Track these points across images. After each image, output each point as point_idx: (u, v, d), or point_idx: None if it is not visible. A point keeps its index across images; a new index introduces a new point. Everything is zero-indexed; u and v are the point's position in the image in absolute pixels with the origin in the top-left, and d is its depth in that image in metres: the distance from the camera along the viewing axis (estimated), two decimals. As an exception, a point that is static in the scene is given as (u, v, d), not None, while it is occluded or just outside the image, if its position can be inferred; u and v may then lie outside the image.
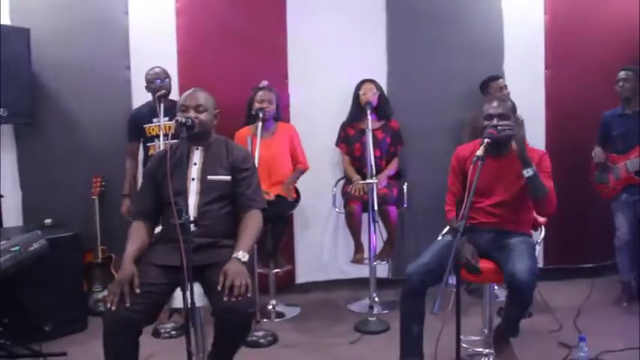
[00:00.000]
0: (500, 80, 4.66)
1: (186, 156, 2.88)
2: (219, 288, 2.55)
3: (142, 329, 2.65)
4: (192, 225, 2.60)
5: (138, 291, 2.59)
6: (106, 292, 4.32)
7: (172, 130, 2.86)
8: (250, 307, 2.62)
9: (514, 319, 3.10)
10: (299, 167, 4.51)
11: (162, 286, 2.69)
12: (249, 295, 2.57)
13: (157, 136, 4.21)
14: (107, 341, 2.58)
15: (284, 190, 4.24)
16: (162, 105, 4.14)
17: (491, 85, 4.64)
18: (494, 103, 3.19)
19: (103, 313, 2.61)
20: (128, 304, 2.54)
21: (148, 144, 4.35)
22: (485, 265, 3.13)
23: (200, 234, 2.75)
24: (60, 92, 4.60)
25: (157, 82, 4.28)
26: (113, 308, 2.53)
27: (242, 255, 2.70)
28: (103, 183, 4.56)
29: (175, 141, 2.99)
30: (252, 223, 2.87)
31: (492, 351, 3.27)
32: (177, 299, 2.67)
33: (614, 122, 4.30)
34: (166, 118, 4.14)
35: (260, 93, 4.38)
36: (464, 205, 2.74)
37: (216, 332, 2.67)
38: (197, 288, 2.69)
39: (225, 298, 2.52)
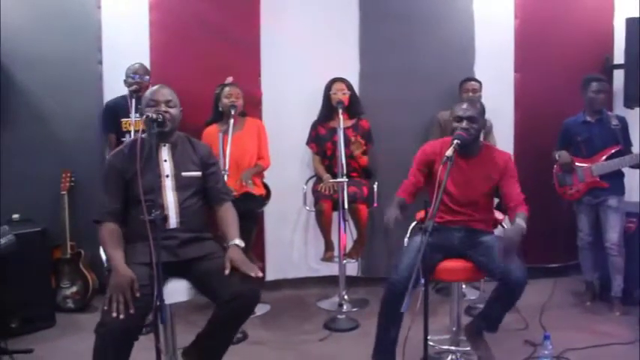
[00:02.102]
0: (472, 82, 4.71)
1: (155, 152, 2.89)
2: (226, 272, 2.67)
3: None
4: (174, 221, 2.75)
5: (138, 295, 2.56)
6: (74, 289, 4.34)
7: (142, 127, 2.82)
8: (258, 289, 2.76)
9: (499, 316, 3.14)
10: (259, 163, 4.48)
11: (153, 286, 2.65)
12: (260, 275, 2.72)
13: (129, 132, 4.20)
14: (106, 351, 2.50)
15: (239, 183, 4.18)
16: (134, 101, 4.12)
17: (464, 86, 4.71)
18: (464, 105, 3.23)
19: (100, 323, 2.50)
20: (132, 311, 2.50)
21: (122, 138, 4.33)
22: (460, 264, 3.18)
23: (184, 229, 2.83)
24: (30, 86, 4.52)
25: (135, 77, 4.27)
26: (122, 317, 2.47)
27: (239, 242, 2.85)
28: (73, 178, 4.49)
29: (143, 136, 2.96)
30: (232, 214, 3.03)
31: (459, 348, 3.33)
32: (168, 295, 2.65)
33: (577, 129, 4.38)
34: (138, 115, 4.12)
35: (227, 89, 4.37)
36: (432, 205, 2.78)
37: (218, 320, 2.71)
38: (181, 284, 2.77)
39: (252, 274, 2.66)
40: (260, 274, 2.70)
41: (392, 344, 3.15)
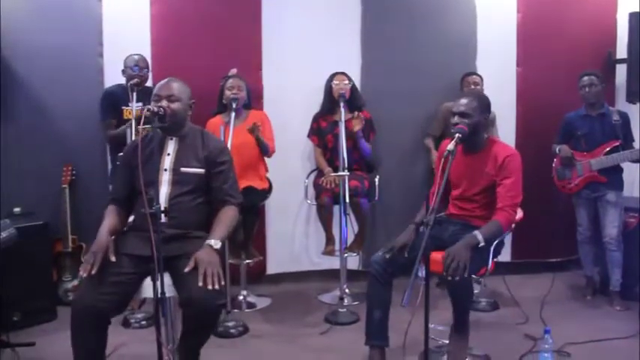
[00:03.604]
0: (473, 76, 4.70)
1: (159, 146, 2.89)
2: (185, 270, 2.57)
3: (111, 319, 2.65)
4: (162, 215, 2.63)
5: (113, 259, 2.61)
6: (76, 282, 4.34)
7: (143, 117, 2.84)
8: (218, 299, 2.59)
9: (456, 314, 3.14)
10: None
11: (132, 275, 2.68)
12: (222, 283, 2.57)
13: (130, 121, 4.18)
14: (75, 331, 2.57)
15: (248, 128, 4.18)
16: (134, 94, 4.11)
17: (465, 80, 4.71)
18: (460, 100, 3.19)
19: (71, 302, 2.61)
20: (95, 271, 2.55)
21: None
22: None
23: (171, 225, 2.77)
24: (31, 79, 4.50)
25: (135, 69, 4.24)
26: (84, 275, 2.55)
27: (214, 242, 2.71)
28: (74, 171, 4.49)
29: (148, 126, 2.98)
30: (228, 217, 2.88)
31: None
32: (149, 289, 2.66)
33: (578, 123, 4.38)
34: (140, 104, 4.10)
35: (230, 81, 4.35)
36: (434, 199, 2.77)
37: (184, 323, 2.68)
38: (167, 278, 2.70)
39: (200, 284, 2.51)
40: (217, 287, 2.53)
41: (378, 324, 3.17)
